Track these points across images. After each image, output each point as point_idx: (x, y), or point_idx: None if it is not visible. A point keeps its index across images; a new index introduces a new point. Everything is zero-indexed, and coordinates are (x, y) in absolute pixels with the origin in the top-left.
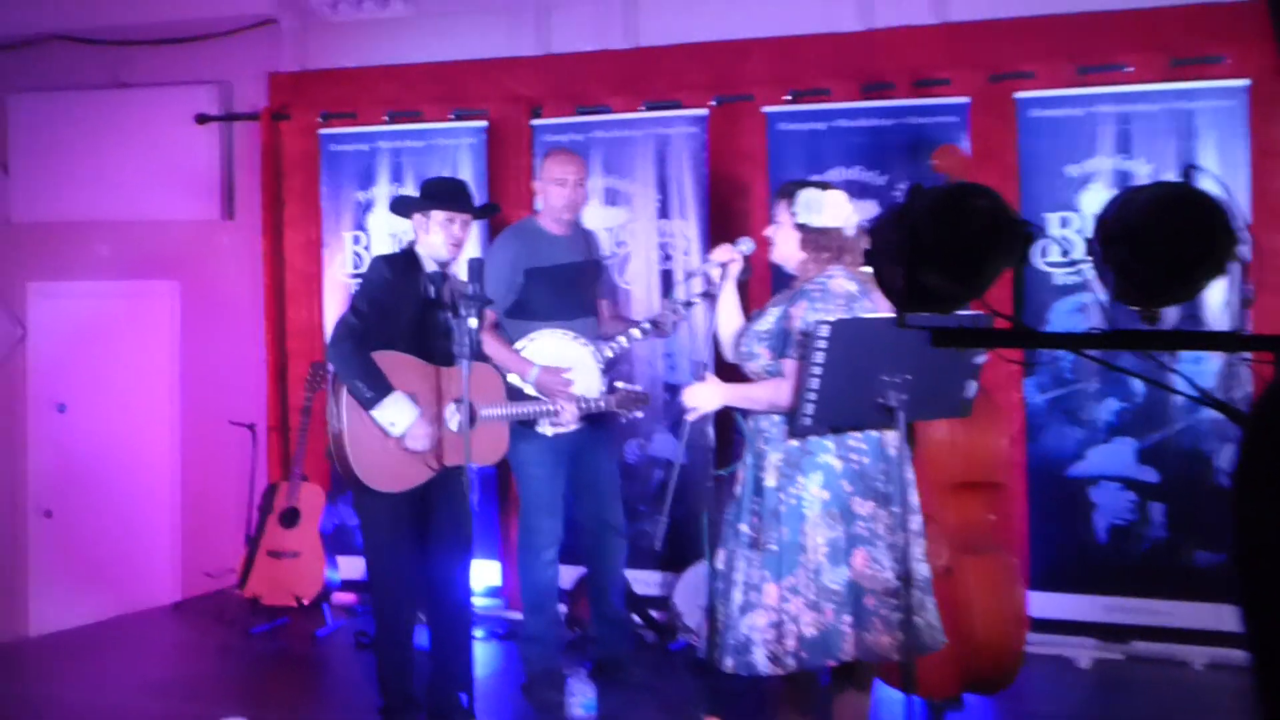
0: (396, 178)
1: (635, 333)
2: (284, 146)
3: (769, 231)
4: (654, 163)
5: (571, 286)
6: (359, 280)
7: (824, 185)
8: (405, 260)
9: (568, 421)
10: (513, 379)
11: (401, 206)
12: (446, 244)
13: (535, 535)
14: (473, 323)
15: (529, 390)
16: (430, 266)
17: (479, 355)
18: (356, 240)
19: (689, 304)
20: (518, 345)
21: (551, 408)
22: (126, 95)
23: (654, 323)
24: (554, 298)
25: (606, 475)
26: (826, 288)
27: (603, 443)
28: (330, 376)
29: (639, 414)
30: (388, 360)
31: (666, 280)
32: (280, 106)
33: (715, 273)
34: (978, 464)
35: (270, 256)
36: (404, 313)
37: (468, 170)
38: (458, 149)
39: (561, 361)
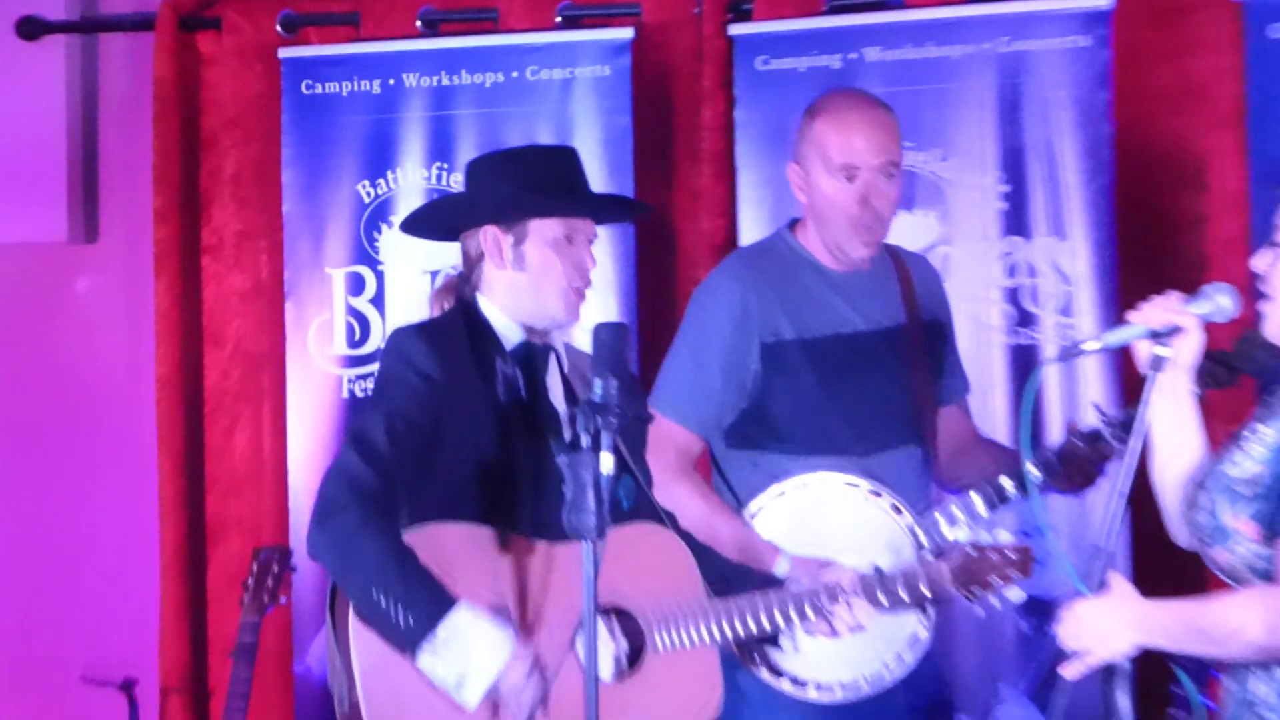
0: (441, 153)
1: (991, 495)
2: (205, 86)
3: None
4: (994, 115)
5: (868, 381)
6: (372, 379)
7: None
8: (461, 332)
9: (826, 632)
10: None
11: (451, 217)
12: (562, 288)
13: None
14: (605, 463)
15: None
16: (514, 338)
17: (629, 515)
18: (358, 285)
19: (1117, 428)
20: (750, 508)
21: (811, 606)
22: None
23: (1050, 466)
24: (827, 406)
25: None
26: None
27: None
28: (328, 592)
29: (1011, 593)
30: (436, 541)
31: (1020, 363)
32: (196, 3)
33: (1142, 351)
34: None
35: (171, 316)
36: (467, 444)
37: (591, 134)
38: (571, 89)
39: (829, 544)
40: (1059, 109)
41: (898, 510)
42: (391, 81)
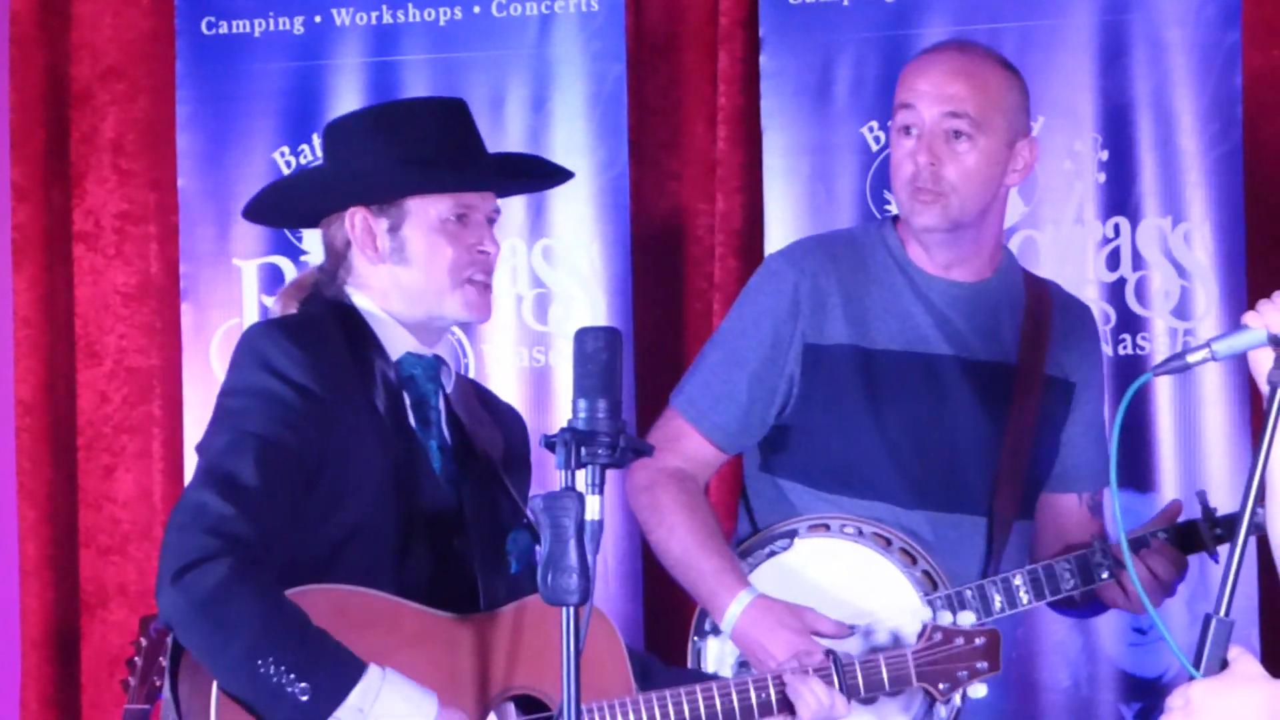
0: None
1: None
2: (76, 25)
3: None
4: (1091, 62)
5: (936, 419)
6: (223, 396)
7: None
8: (337, 333)
9: None
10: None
11: (308, 199)
12: (457, 282)
13: None
14: (591, 507)
15: (713, 653)
16: (401, 346)
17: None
18: (275, 280)
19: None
20: (758, 560)
21: (757, 696)
22: None
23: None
24: (874, 437)
25: None
26: None
27: None
28: (173, 663)
29: (975, 690)
30: (313, 608)
31: (1124, 379)
32: None
33: (1263, 364)
34: None
35: (35, 323)
36: (350, 484)
37: (575, 86)
38: (549, 28)
39: (834, 599)
40: (1176, 54)
41: (931, 580)
42: (318, 19)
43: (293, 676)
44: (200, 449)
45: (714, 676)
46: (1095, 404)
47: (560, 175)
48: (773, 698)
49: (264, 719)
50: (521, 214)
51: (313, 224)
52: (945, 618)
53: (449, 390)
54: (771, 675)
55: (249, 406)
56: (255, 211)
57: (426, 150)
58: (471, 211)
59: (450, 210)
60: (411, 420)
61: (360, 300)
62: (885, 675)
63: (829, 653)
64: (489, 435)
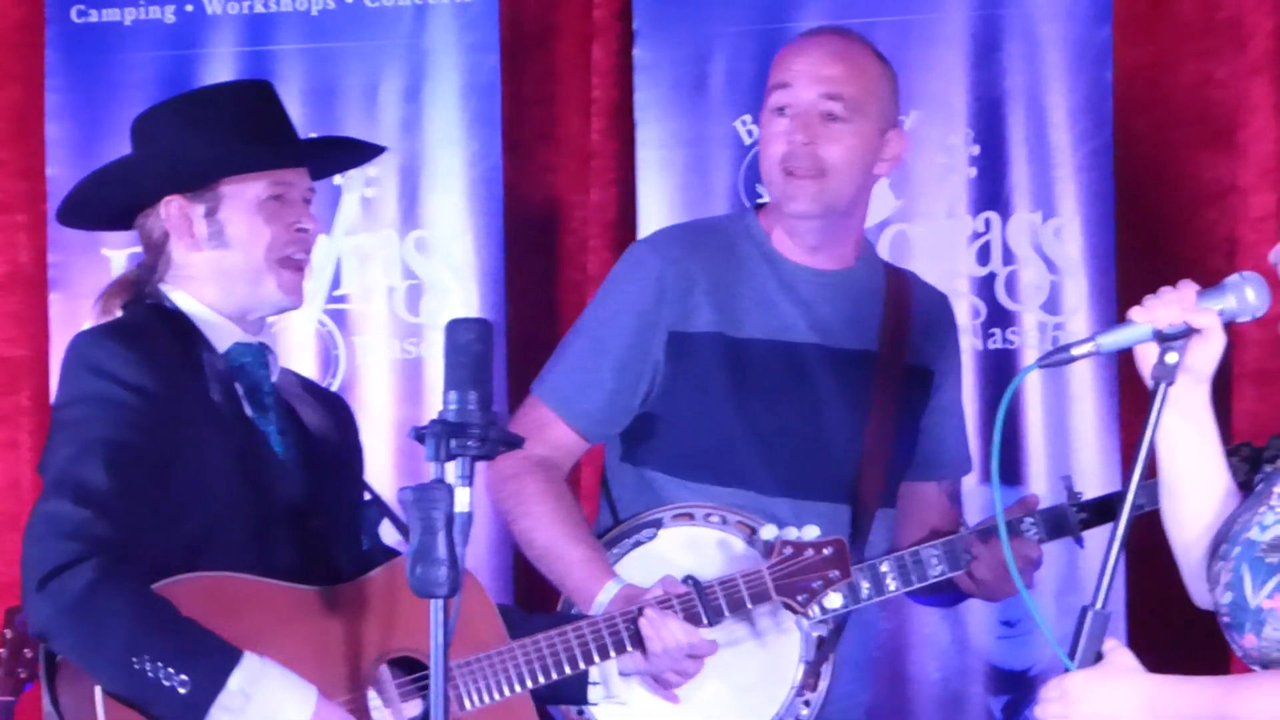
0: None
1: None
2: None
3: None
4: (965, 56)
5: (800, 407)
6: (59, 408)
7: None
8: (162, 333)
9: (653, 671)
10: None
11: (119, 193)
12: (276, 261)
13: None
14: (461, 499)
15: None
16: (227, 338)
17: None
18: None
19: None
20: (624, 550)
21: (610, 633)
22: None
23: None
24: (739, 425)
25: None
26: None
27: None
28: (44, 676)
29: (830, 600)
30: (181, 599)
31: (994, 374)
32: None
33: (1148, 358)
34: None
35: None
36: (200, 474)
37: (450, 76)
38: (424, 18)
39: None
40: (1048, 49)
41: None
42: (189, 8)
43: (171, 670)
44: (43, 467)
45: (579, 616)
46: (953, 392)
47: (368, 150)
48: (609, 643)
49: (151, 715)
50: (394, 205)
51: (127, 224)
52: (791, 533)
53: (274, 378)
54: (637, 609)
55: (88, 414)
56: (69, 213)
57: (237, 131)
58: (288, 190)
59: (266, 190)
60: (248, 408)
61: (180, 299)
62: (745, 593)
63: (689, 578)
64: (319, 419)
